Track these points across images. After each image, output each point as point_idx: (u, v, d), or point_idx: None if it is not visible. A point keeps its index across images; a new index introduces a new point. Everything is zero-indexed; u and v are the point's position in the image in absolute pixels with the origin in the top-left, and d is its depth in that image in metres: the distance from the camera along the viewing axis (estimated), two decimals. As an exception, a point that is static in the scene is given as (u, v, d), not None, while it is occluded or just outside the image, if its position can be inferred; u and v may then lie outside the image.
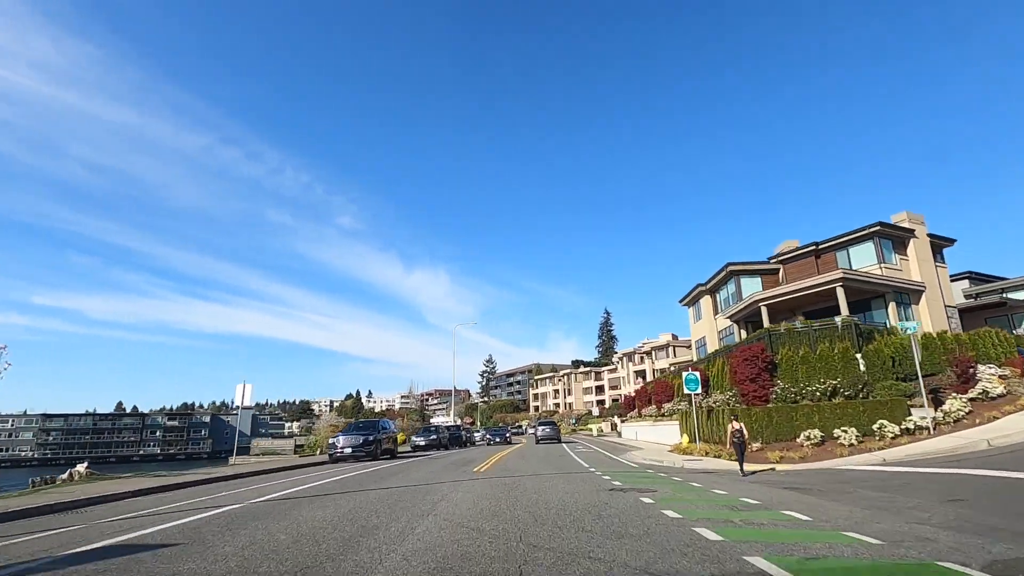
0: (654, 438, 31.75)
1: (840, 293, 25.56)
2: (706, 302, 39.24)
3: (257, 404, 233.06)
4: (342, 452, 20.25)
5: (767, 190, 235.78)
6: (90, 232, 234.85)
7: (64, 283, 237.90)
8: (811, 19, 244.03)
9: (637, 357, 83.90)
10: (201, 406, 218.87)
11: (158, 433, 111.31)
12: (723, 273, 35.13)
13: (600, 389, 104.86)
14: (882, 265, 27.83)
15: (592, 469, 15.34)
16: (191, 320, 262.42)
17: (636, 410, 40.46)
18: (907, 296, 27.57)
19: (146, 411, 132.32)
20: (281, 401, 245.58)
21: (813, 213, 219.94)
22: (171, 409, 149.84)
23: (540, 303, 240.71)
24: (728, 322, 34.86)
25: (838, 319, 20.15)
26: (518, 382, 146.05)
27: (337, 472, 15.53)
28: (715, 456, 17.69)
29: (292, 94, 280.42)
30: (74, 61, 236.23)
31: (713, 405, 21.28)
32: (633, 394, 46.90)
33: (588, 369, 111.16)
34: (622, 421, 47.30)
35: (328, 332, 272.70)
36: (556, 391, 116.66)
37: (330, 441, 20.78)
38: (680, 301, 43.64)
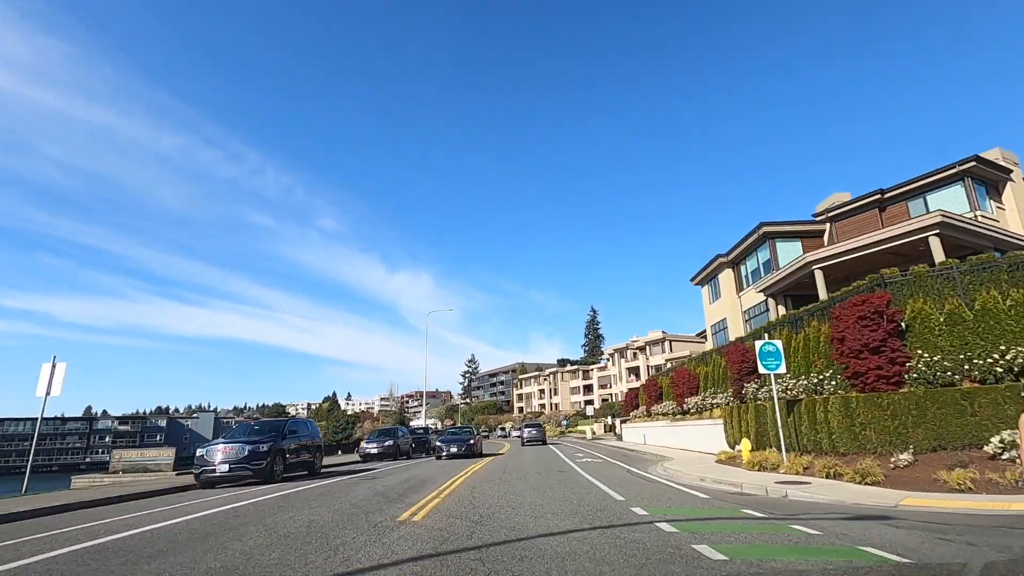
0: (675, 443, 24.48)
1: (936, 245, 18.63)
2: (727, 277, 32.27)
3: (235, 408, 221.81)
4: (216, 472, 12.48)
5: (762, 181, 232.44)
6: (63, 234, 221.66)
7: (35, 285, 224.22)
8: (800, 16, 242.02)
9: (629, 353, 77.00)
10: (177, 410, 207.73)
11: (108, 439, 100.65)
12: (753, 237, 28.14)
13: (588, 388, 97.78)
14: (977, 214, 21.05)
15: (637, 508, 7.89)
16: (169, 324, 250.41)
17: (641, 408, 33.29)
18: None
19: (109, 414, 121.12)
20: (260, 405, 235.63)
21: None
22: (144, 414, 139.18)
23: (522, 306, 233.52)
24: (760, 297, 27.88)
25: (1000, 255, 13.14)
26: (501, 382, 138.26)
27: (143, 519, 7.87)
28: (826, 475, 10.38)
29: (273, 95, 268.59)
30: (48, 59, 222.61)
31: (785, 395, 14.08)
32: (634, 390, 39.73)
33: (575, 367, 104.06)
34: (622, 422, 40.07)
35: (310, 335, 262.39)
36: (541, 391, 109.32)
37: (198, 453, 12.92)
38: (692, 280, 36.64)
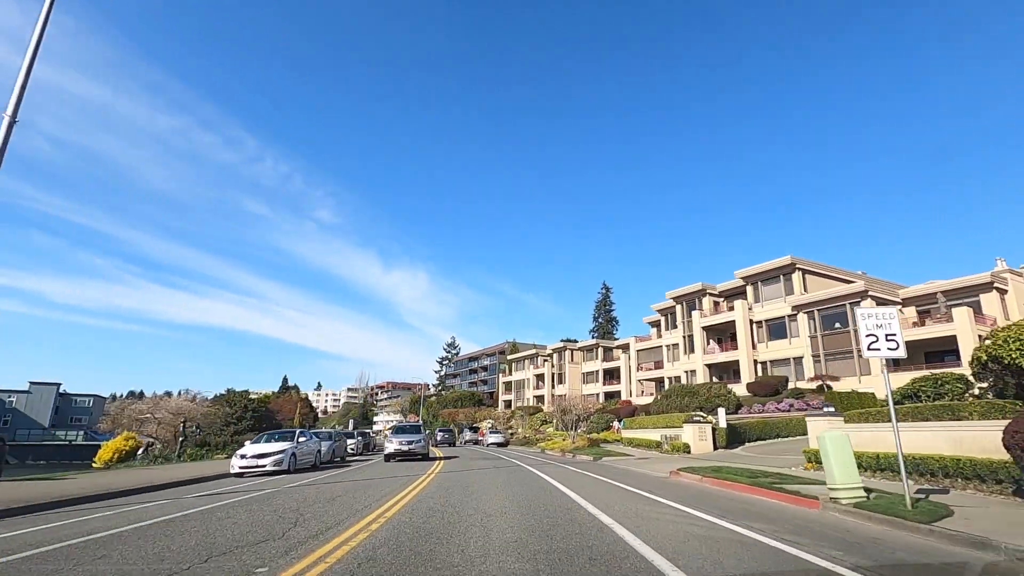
0: None
1: None
2: None
3: (216, 395, 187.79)
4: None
5: (777, 181, 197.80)
6: (54, 212, 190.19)
7: (21, 263, 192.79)
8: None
9: (707, 303, 41.90)
10: (155, 395, 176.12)
11: None
12: None
13: (612, 375, 62.65)
14: None
15: None
16: (157, 309, 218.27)
17: None
18: None
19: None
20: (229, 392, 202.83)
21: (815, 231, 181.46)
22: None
23: (519, 307, 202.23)
24: None
25: None
26: (485, 368, 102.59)
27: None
28: None
29: (274, 81, 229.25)
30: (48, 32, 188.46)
31: None
32: None
33: (591, 344, 68.73)
34: None
35: (301, 328, 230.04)
36: (539, 377, 73.77)
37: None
38: None
